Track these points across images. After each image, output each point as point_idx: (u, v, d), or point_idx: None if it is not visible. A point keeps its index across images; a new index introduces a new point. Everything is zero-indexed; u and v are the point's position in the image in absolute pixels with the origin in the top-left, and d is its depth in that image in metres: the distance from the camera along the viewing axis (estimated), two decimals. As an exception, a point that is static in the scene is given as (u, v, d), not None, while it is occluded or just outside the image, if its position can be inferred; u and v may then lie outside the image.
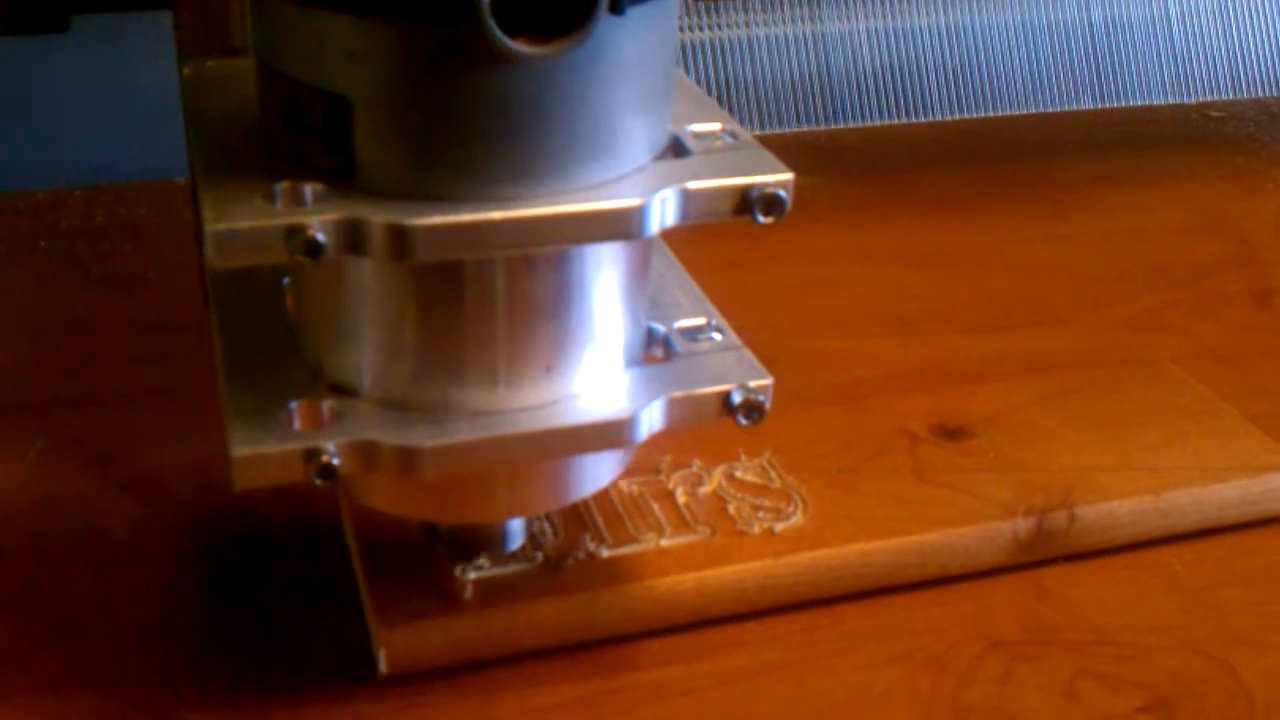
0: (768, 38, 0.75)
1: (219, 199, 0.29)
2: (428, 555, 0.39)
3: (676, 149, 0.33)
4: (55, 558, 0.42)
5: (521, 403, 0.33)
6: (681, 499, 0.42)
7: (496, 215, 0.30)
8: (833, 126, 0.75)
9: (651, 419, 0.34)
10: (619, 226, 0.31)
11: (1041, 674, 0.39)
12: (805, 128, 0.75)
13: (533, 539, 0.40)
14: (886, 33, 0.76)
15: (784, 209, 0.32)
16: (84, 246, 0.61)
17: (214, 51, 0.37)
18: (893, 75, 0.76)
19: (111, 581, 0.41)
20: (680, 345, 0.36)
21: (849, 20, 0.76)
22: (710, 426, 0.47)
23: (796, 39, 0.75)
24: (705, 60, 0.73)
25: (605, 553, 0.40)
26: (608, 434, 0.34)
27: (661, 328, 0.37)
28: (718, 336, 0.36)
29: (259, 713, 0.37)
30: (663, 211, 0.31)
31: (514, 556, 0.39)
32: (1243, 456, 0.46)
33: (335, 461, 0.31)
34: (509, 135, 0.30)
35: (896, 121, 0.76)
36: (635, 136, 0.32)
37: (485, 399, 0.33)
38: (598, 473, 0.36)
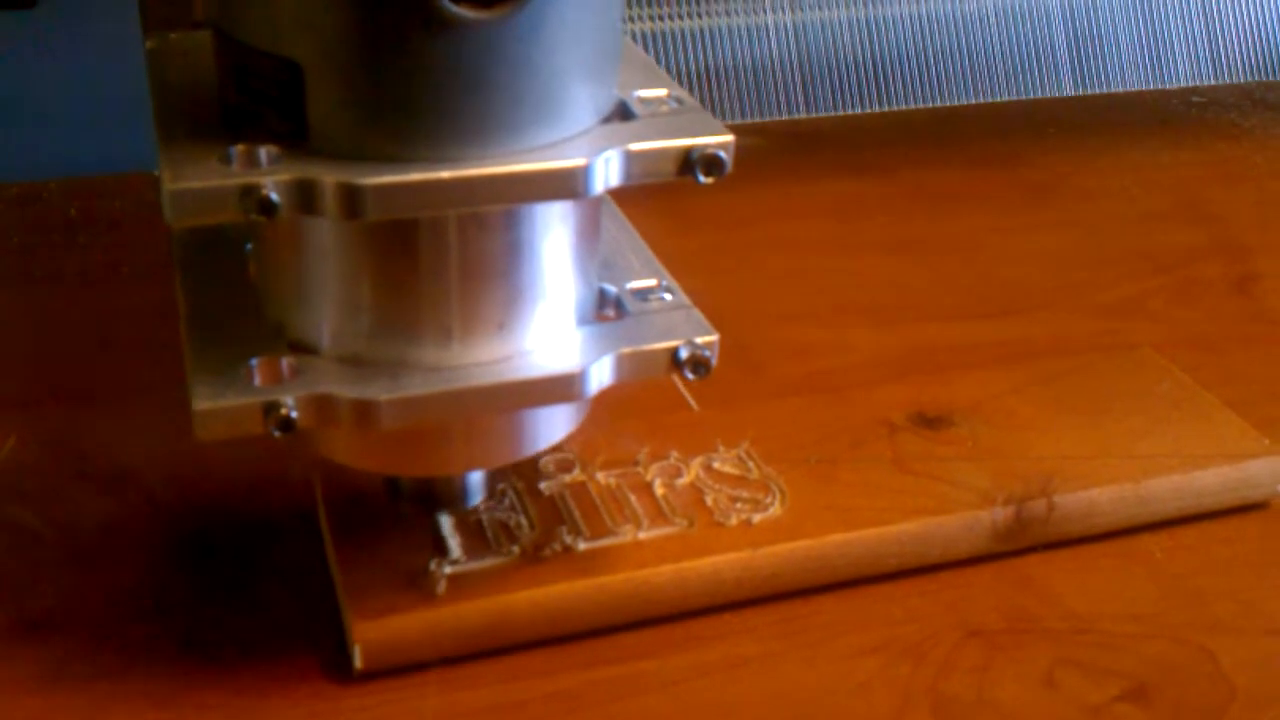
0: (747, 27, 0.74)
1: (176, 161, 0.31)
2: (403, 550, 0.39)
3: (623, 113, 0.34)
4: (30, 553, 0.42)
5: (475, 359, 0.34)
6: (659, 490, 0.42)
7: (444, 175, 0.31)
8: (813, 115, 0.75)
9: (601, 374, 0.35)
10: (564, 186, 0.32)
11: (1020, 663, 0.39)
12: (785, 117, 0.74)
13: (509, 532, 0.40)
14: (866, 21, 0.76)
15: (724, 169, 0.33)
16: (59, 240, 0.60)
17: (179, 26, 0.39)
18: (872, 63, 0.76)
19: (87, 577, 0.41)
20: (631, 305, 0.37)
21: (829, 9, 0.76)
22: (689, 417, 0.47)
23: (776, 28, 0.75)
24: (685, 49, 0.73)
25: (582, 545, 0.40)
26: (558, 388, 0.35)
27: (613, 289, 0.38)
28: (668, 297, 0.37)
29: (233, 709, 0.36)
30: (606, 171, 0.32)
31: (490, 550, 0.39)
32: (1222, 443, 0.46)
33: (294, 414, 0.32)
34: (456, 98, 0.31)
35: (876, 110, 0.76)
36: (581, 100, 0.33)
37: (440, 355, 0.34)
38: (552, 427, 0.37)
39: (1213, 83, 0.83)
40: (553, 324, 0.35)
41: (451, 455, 0.37)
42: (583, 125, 0.33)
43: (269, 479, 0.45)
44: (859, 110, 0.76)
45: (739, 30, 0.74)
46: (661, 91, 0.35)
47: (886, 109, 0.76)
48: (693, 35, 0.73)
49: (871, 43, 0.76)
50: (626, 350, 0.35)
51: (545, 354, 0.35)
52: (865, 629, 0.40)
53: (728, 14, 0.74)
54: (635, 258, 0.39)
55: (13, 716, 0.36)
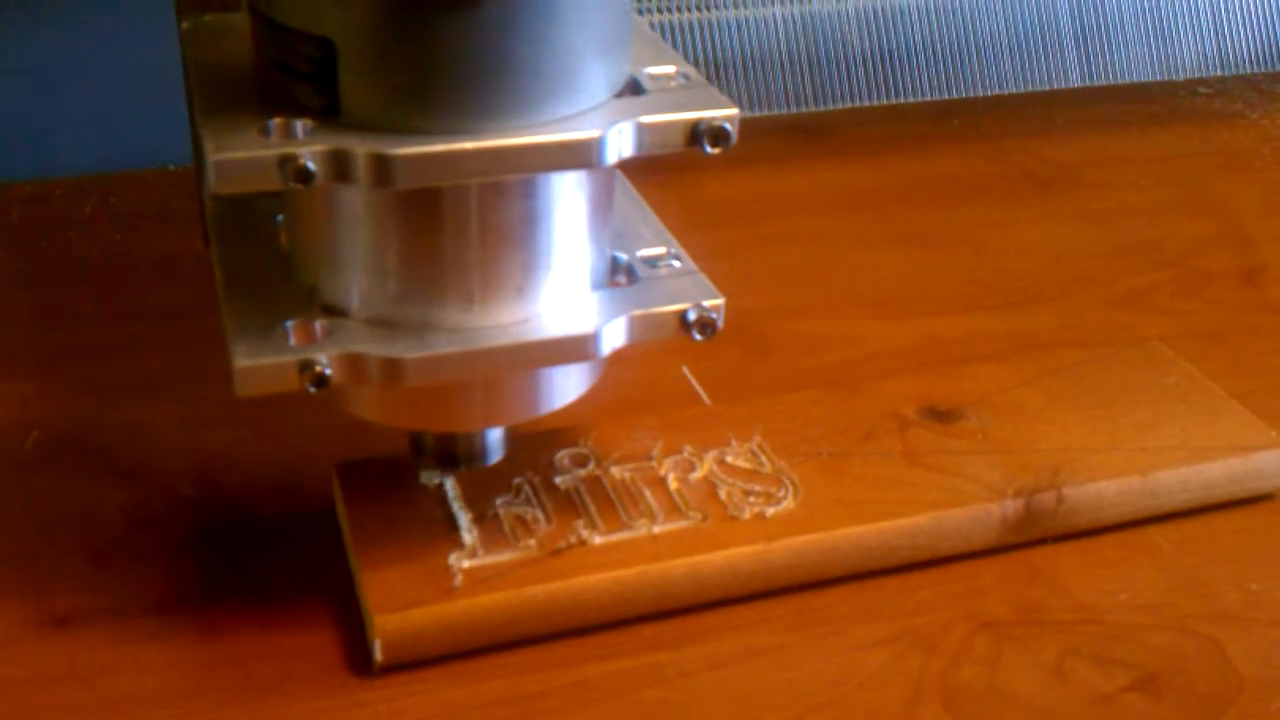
0: (756, 19, 0.74)
1: (219, 133, 0.33)
2: (422, 545, 0.39)
3: (634, 89, 0.36)
4: (51, 548, 0.42)
5: (495, 320, 0.36)
6: (673, 485, 0.43)
7: (468, 145, 0.33)
8: (820, 108, 0.75)
9: (614, 336, 0.37)
10: (580, 156, 0.34)
11: (1031, 654, 0.40)
12: (793, 110, 0.75)
13: (525, 526, 0.40)
14: (874, 13, 0.76)
15: (730, 141, 0.35)
16: (73, 237, 0.61)
17: (211, 8, 0.42)
18: (880, 56, 0.76)
19: (108, 571, 0.41)
20: (642, 271, 0.39)
21: (837, 1, 0.76)
22: (701, 412, 0.48)
23: (785, 20, 0.75)
24: (694, 41, 0.73)
25: (598, 539, 0.40)
26: (573, 348, 0.37)
27: (625, 256, 0.39)
28: (676, 264, 0.39)
29: (254, 704, 0.37)
30: (620, 142, 0.34)
31: (507, 544, 0.40)
32: (1230, 436, 0.46)
33: (327, 372, 0.34)
34: (480, 74, 0.33)
35: (884, 102, 0.76)
36: (595, 76, 0.35)
37: (462, 317, 0.36)
38: (565, 387, 0.39)
39: (1220, 74, 0.83)
40: (568, 288, 0.37)
41: (471, 412, 0.39)
42: (597, 99, 0.35)
43: (289, 474, 0.45)
44: (867, 103, 0.76)
45: (746, 22, 0.74)
46: (670, 68, 0.37)
47: (894, 101, 0.77)
48: (700, 27, 0.74)
49: (879, 35, 0.76)
50: (637, 313, 0.37)
51: (561, 316, 0.37)
52: (877, 620, 0.41)
53: (735, 6, 0.74)
54: (645, 228, 0.41)
55: (35, 712, 0.37)
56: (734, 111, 0.35)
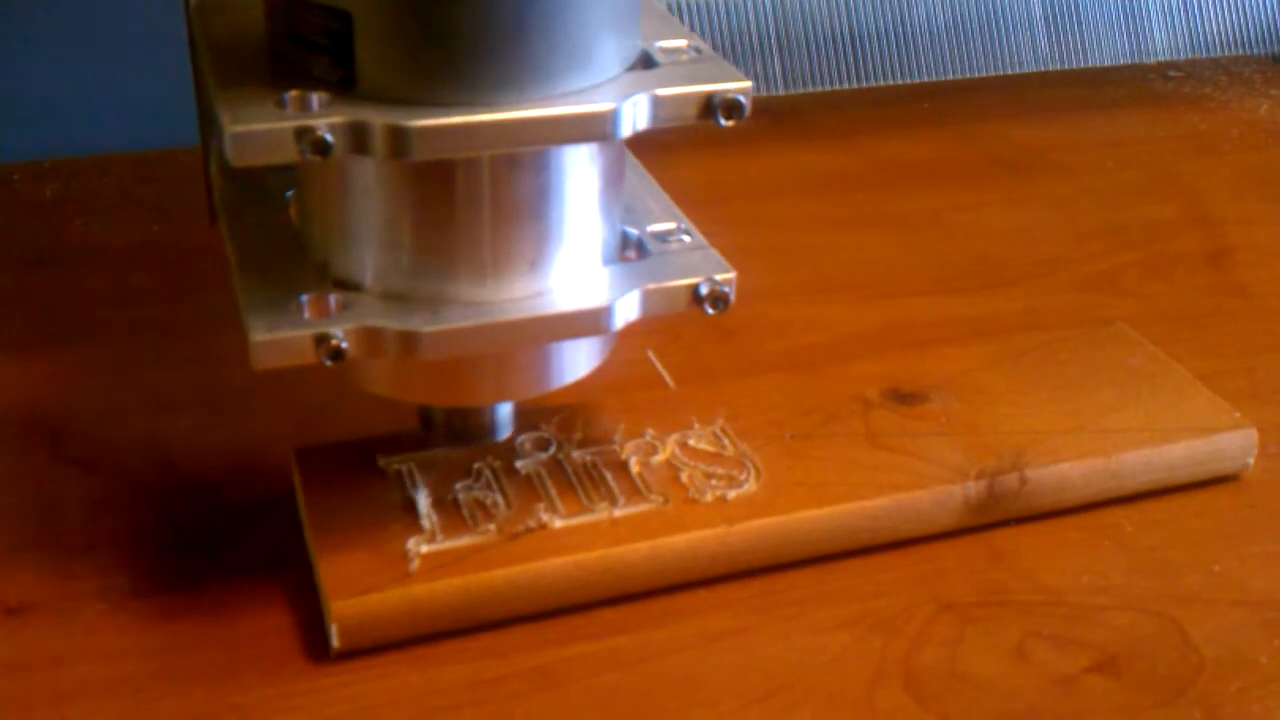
0: (726, 2, 0.74)
1: (235, 106, 0.33)
2: (380, 531, 0.39)
3: (646, 62, 0.37)
4: (8, 535, 0.42)
5: (509, 294, 0.37)
6: (635, 468, 0.42)
7: (485, 117, 0.33)
8: (790, 92, 0.75)
9: (627, 309, 0.37)
10: (595, 128, 0.34)
11: (992, 635, 0.40)
12: (763, 93, 0.74)
13: (486, 511, 0.40)
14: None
15: (744, 113, 0.36)
16: (33, 222, 0.60)
17: None
18: (850, 40, 0.76)
19: (66, 560, 0.41)
20: (653, 246, 0.39)
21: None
22: (665, 394, 0.48)
23: (755, 3, 0.75)
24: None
25: (558, 523, 0.40)
26: (587, 322, 0.37)
27: (635, 232, 0.40)
28: (687, 239, 0.40)
29: (212, 692, 0.37)
30: (634, 115, 0.35)
31: (467, 528, 0.39)
32: (1193, 417, 0.46)
33: (344, 345, 0.35)
34: (495, 46, 0.33)
35: (854, 86, 0.76)
36: (608, 49, 0.35)
37: (476, 291, 0.36)
38: (577, 361, 0.39)
39: (1190, 57, 0.83)
40: (580, 263, 0.37)
41: (483, 387, 0.39)
42: (610, 73, 0.35)
43: (249, 459, 0.45)
44: (837, 86, 0.76)
45: (716, 6, 0.74)
46: (682, 42, 0.37)
47: (864, 85, 0.76)
48: (672, 12, 0.73)
49: (849, 19, 0.76)
50: (651, 286, 0.37)
51: (574, 290, 0.37)
52: (839, 603, 0.41)
53: (705, -10, 0.74)
54: (654, 203, 0.41)
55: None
56: (747, 84, 0.35)
